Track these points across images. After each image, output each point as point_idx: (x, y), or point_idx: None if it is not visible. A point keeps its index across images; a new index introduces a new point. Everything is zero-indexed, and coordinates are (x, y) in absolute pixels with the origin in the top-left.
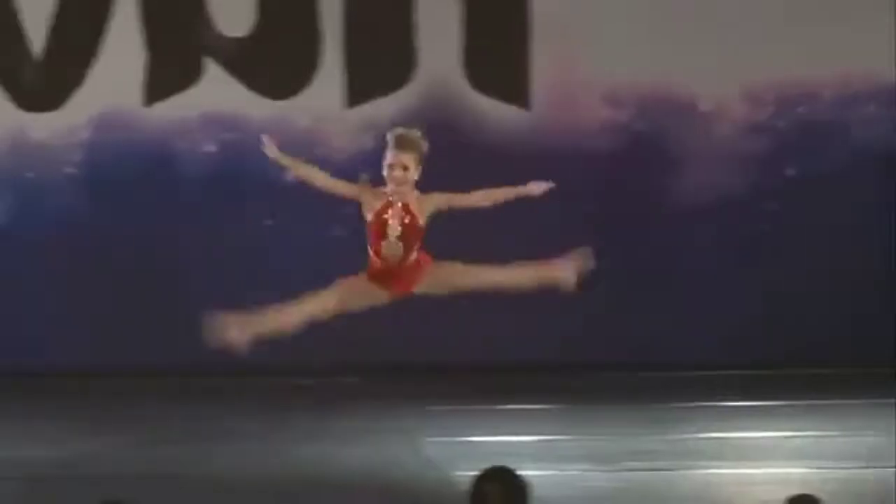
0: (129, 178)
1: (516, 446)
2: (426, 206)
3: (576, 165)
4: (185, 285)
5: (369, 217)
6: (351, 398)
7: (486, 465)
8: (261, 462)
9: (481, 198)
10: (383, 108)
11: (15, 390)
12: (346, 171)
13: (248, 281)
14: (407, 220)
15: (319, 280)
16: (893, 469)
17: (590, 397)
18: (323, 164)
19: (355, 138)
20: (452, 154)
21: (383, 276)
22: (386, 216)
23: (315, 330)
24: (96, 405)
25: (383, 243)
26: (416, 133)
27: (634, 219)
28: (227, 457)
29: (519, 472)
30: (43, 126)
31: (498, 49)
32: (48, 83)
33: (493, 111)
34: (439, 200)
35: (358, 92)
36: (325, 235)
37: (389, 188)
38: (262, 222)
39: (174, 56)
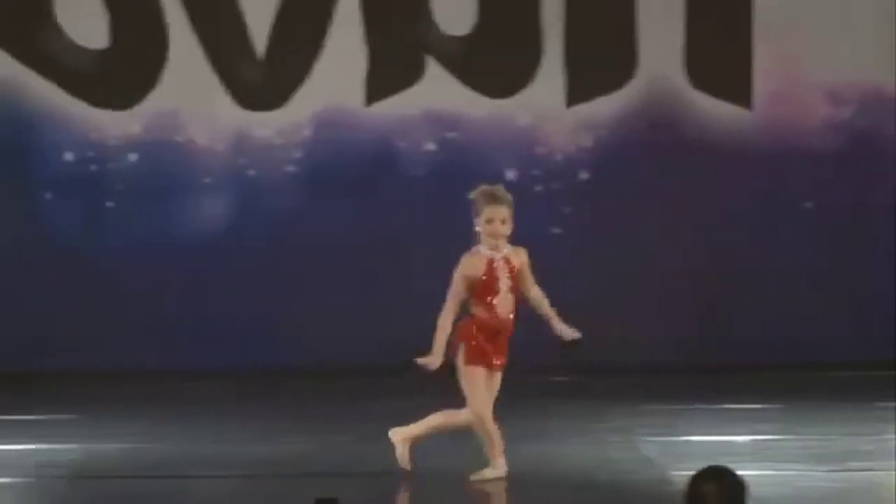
0: (350, 176)
1: (734, 446)
2: (521, 256)
3: (797, 164)
4: (406, 283)
5: (480, 277)
6: (568, 397)
7: (704, 464)
8: (478, 458)
9: (531, 291)
10: (603, 107)
11: (228, 389)
12: (564, 171)
13: None
14: (512, 273)
15: (535, 277)
16: None
17: (809, 396)
18: (542, 162)
19: (574, 137)
20: (674, 153)
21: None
22: (495, 272)
23: (531, 328)
24: (308, 403)
25: (496, 300)
26: (502, 188)
27: (853, 216)
28: (439, 454)
29: (736, 472)
30: (265, 125)
31: (721, 48)
32: (270, 82)
33: (715, 110)
34: (524, 256)
35: (578, 91)
36: (540, 234)
37: (488, 243)
38: None
39: (395, 55)
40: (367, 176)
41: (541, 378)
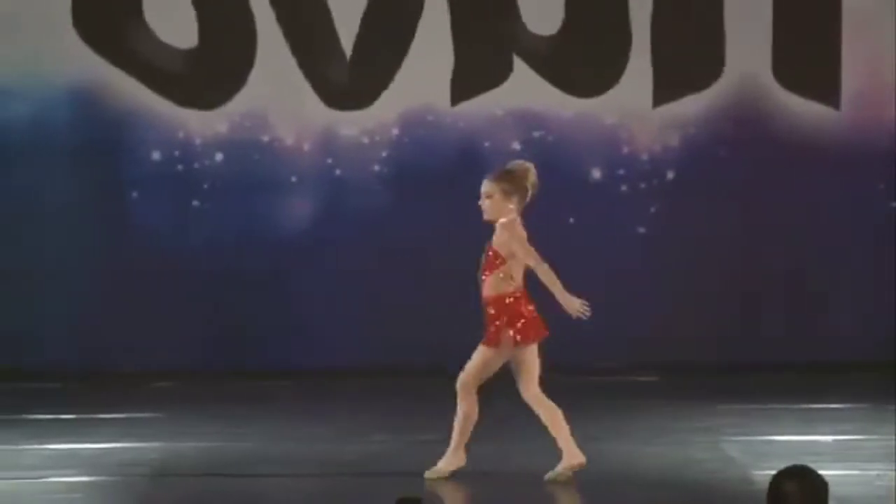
0: (436, 176)
1: (816, 445)
2: (497, 236)
3: (884, 164)
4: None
5: None
6: (652, 397)
7: (786, 463)
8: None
9: (535, 264)
10: (690, 106)
11: (309, 388)
12: (650, 170)
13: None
14: (487, 253)
15: (620, 276)
16: None
17: (892, 396)
18: (628, 162)
19: (661, 137)
20: (760, 152)
21: None
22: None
23: (614, 328)
24: (390, 403)
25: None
26: (517, 165)
27: None
28: (521, 454)
29: (818, 471)
30: (352, 124)
31: (808, 47)
32: (357, 82)
33: (802, 109)
34: (507, 239)
35: (665, 90)
36: (628, 235)
37: None
38: (567, 220)
39: (482, 54)
40: (453, 175)
41: (625, 378)
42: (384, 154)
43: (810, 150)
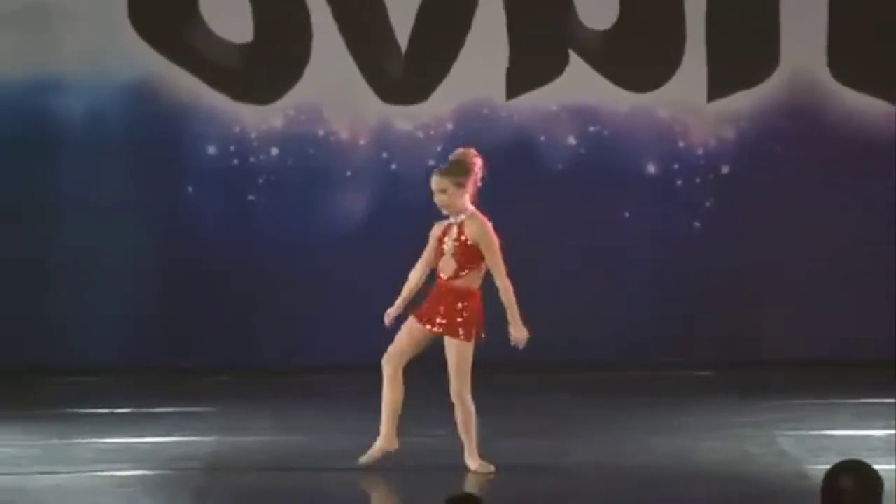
0: (490, 170)
1: (871, 440)
2: (471, 229)
3: None
4: (545, 277)
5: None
6: (706, 392)
7: (840, 458)
8: (618, 453)
9: (501, 279)
10: (745, 100)
11: (373, 383)
12: (705, 164)
13: (613, 271)
14: (461, 239)
15: (675, 271)
16: None
17: None
18: (683, 156)
19: (716, 131)
20: (815, 147)
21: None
22: (445, 237)
23: (667, 326)
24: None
25: (440, 262)
26: (460, 154)
27: None
28: (583, 448)
29: (873, 466)
30: (407, 118)
31: (864, 42)
32: (413, 76)
33: (858, 104)
34: (480, 233)
35: (720, 85)
36: (683, 229)
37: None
38: (623, 214)
39: (537, 49)
40: (508, 170)
41: (680, 373)
42: (439, 148)
43: (866, 145)
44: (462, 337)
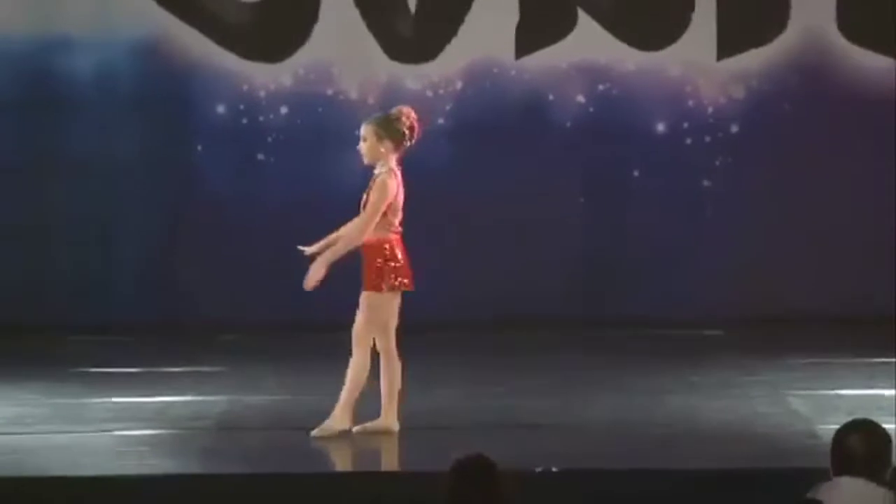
0: (500, 129)
1: (880, 400)
2: (375, 183)
3: None
4: (557, 235)
5: None
6: (716, 351)
7: (850, 418)
8: (628, 412)
9: (359, 222)
10: (754, 59)
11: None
12: (714, 123)
13: (623, 229)
14: (366, 194)
15: (684, 230)
16: None
17: None
18: (692, 115)
19: (725, 90)
20: (825, 105)
21: None
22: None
23: (685, 283)
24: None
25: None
26: (395, 111)
27: None
28: (592, 406)
29: (883, 426)
30: (416, 77)
31: (874, 0)
32: (422, 35)
33: (866, 62)
34: (376, 185)
35: (729, 43)
36: (691, 186)
37: None
38: (632, 173)
39: (546, 8)
40: (517, 128)
41: (690, 332)
42: (448, 107)
43: (875, 103)
44: (370, 289)
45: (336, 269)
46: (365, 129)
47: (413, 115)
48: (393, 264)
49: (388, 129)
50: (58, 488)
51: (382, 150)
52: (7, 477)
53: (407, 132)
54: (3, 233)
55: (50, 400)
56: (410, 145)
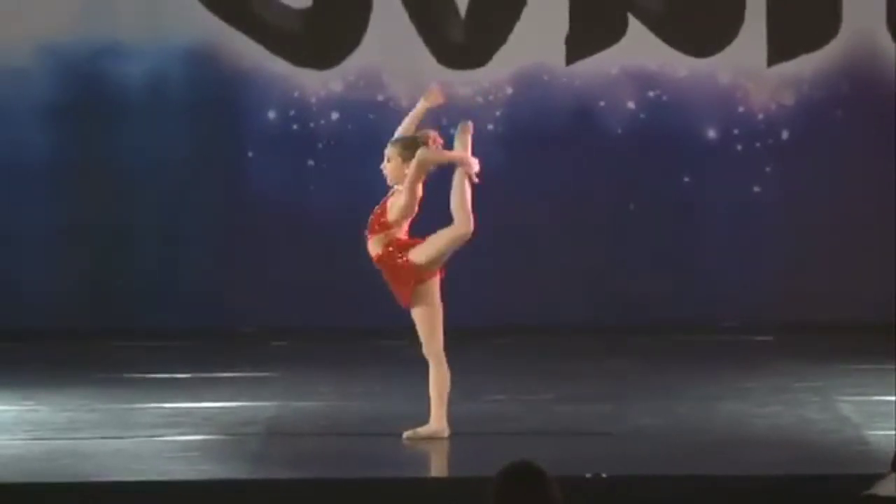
0: (550, 135)
1: None
2: (393, 199)
3: None
4: (606, 241)
5: None
6: (767, 357)
7: None
8: (678, 419)
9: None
10: (805, 65)
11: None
12: (765, 129)
13: (673, 235)
14: (382, 208)
15: (735, 236)
16: None
17: None
18: (743, 121)
19: (776, 96)
20: (876, 111)
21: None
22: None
23: (727, 288)
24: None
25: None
26: (421, 134)
27: None
28: (643, 413)
29: None
30: (467, 83)
31: None
32: (473, 41)
33: None
34: (395, 200)
35: (780, 49)
36: (741, 192)
37: None
38: (682, 180)
39: (597, 13)
40: (567, 135)
41: (740, 337)
42: (498, 113)
43: None
44: (407, 301)
45: (363, 278)
46: (390, 150)
47: (439, 139)
48: (402, 257)
49: (413, 151)
50: (109, 493)
51: (406, 171)
52: (60, 482)
53: None
54: (57, 239)
55: (102, 405)
56: (432, 169)
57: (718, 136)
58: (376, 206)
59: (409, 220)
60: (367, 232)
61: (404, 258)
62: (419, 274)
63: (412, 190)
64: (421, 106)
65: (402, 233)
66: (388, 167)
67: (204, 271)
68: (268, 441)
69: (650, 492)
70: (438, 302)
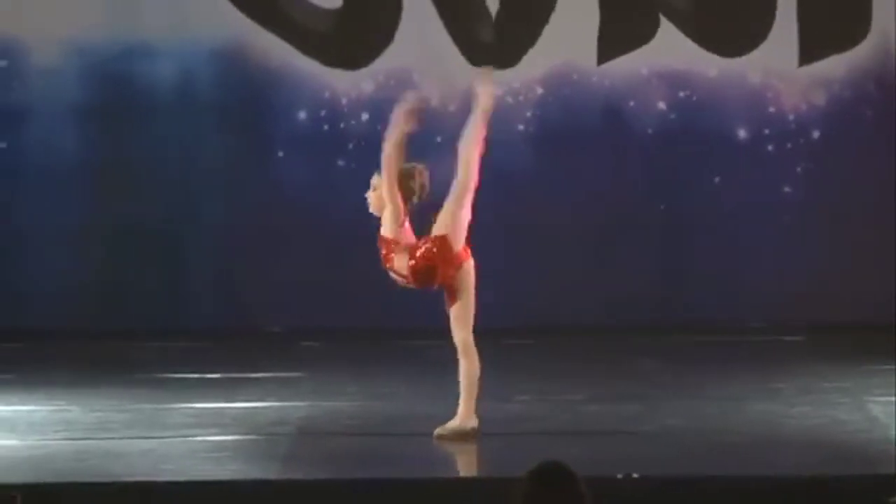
0: (580, 135)
1: None
2: (385, 221)
3: None
4: (635, 242)
5: None
6: (796, 357)
7: None
8: (708, 419)
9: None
10: (836, 65)
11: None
12: (796, 130)
13: (704, 235)
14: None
15: (766, 236)
16: None
17: None
18: (773, 121)
19: (807, 96)
20: None
21: None
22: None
23: (758, 288)
24: (536, 362)
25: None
26: (406, 165)
27: None
28: (672, 413)
29: None
30: (497, 84)
31: None
32: (503, 41)
33: None
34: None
35: (810, 49)
36: (772, 193)
37: None
38: (713, 180)
39: (628, 13)
40: (598, 135)
41: (770, 337)
42: (529, 114)
43: None
44: (448, 304)
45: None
46: (377, 180)
47: (426, 174)
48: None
49: (400, 183)
50: (139, 493)
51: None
52: (91, 482)
53: (417, 190)
54: (86, 238)
55: (132, 405)
56: (417, 202)
57: (749, 136)
58: (379, 247)
59: (406, 223)
60: (386, 266)
61: (432, 242)
62: (454, 243)
63: (392, 195)
64: (398, 132)
65: (409, 235)
66: (373, 196)
67: (233, 270)
68: (297, 441)
69: (679, 492)
70: (473, 290)
